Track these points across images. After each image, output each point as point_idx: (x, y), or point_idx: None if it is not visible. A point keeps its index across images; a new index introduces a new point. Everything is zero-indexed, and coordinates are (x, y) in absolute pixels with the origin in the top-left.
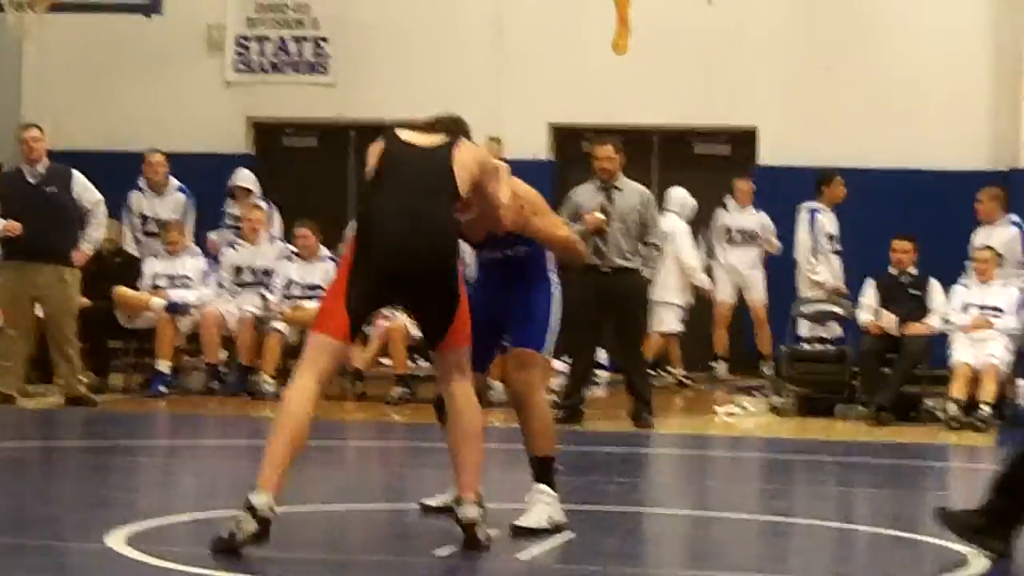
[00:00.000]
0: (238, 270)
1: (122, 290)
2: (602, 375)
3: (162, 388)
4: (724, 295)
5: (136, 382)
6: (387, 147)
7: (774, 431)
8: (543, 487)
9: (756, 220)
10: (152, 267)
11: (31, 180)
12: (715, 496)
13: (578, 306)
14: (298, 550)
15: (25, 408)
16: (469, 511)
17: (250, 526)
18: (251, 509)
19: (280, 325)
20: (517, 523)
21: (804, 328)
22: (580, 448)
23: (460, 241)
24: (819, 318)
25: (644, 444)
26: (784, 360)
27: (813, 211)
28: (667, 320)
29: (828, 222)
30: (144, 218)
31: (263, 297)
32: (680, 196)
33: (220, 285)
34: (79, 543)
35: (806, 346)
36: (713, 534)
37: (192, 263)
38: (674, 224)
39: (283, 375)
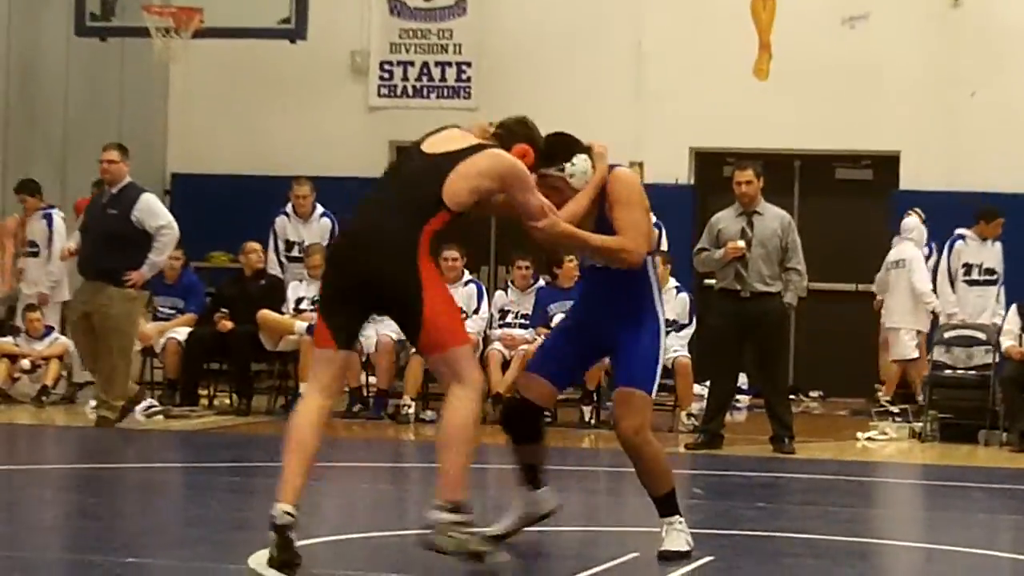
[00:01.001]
0: None
1: (266, 314)
2: (742, 400)
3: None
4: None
5: (279, 404)
6: (399, 155)
7: (916, 457)
8: (672, 519)
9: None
10: (296, 291)
11: (102, 201)
12: (855, 522)
13: (719, 331)
14: (436, 573)
15: (169, 430)
16: (432, 514)
17: (273, 539)
18: (272, 524)
19: None
20: (661, 549)
21: (949, 354)
22: (720, 473)
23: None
24: (960, 344)
25: (784, 469)
26: (926, 386)
27: (956, 238)
28: (903, 346)
29: (970, 251)
30: (289, 243)
31: None
32: (913, 223)
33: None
34: (222, 564)
35: (948, 372)
36: (852, 560)
37: None
38: (909, 251)
39: (424, 399)
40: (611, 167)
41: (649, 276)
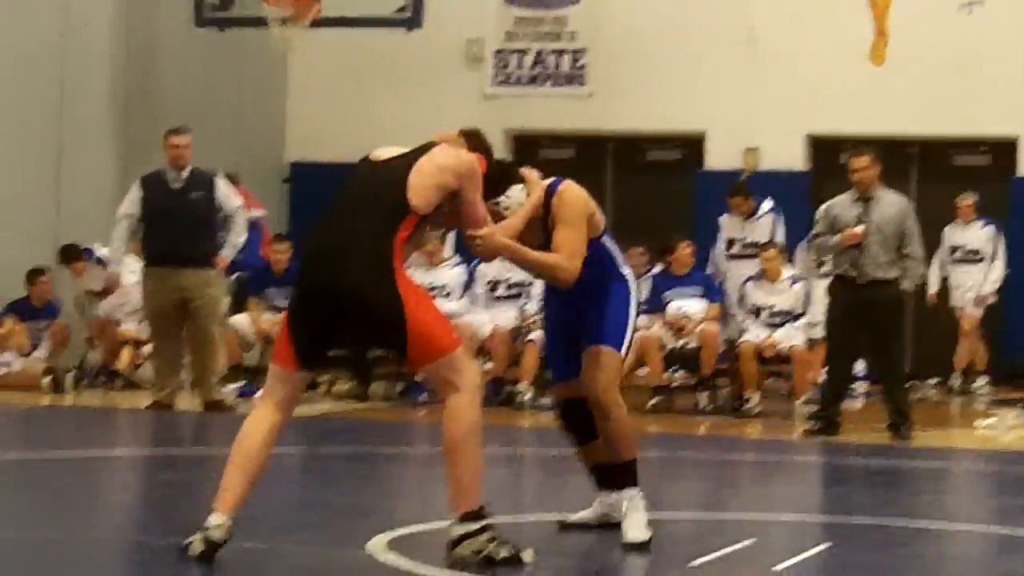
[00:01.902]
0: (493, 284)
1: None
2: (859, 386)
3: (423, 397)
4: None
5: (397, 390)
6: (352, 170)
7: None
8: (632, 492)
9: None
10: (413, 278)
11: (174, 185)
12: (972, 510)
13: (835, 318)
14: (556, 558)
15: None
16: (452, 529)
17: (197, 547)
18: (204, 530)
19: (537, 335)
20: (626, 540)
21: None
22: (836, 460)
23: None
24: None
25: (901, 457)
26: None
27: None
28: None
29: None
30: None
31: (520, 309)
32: None
33: (475, 299)
34: (339, 549)
35: None
36: (967, 549)
37: (451, 274)
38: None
39: (540, 386)
40: (555, 183)
41: (605, 257)
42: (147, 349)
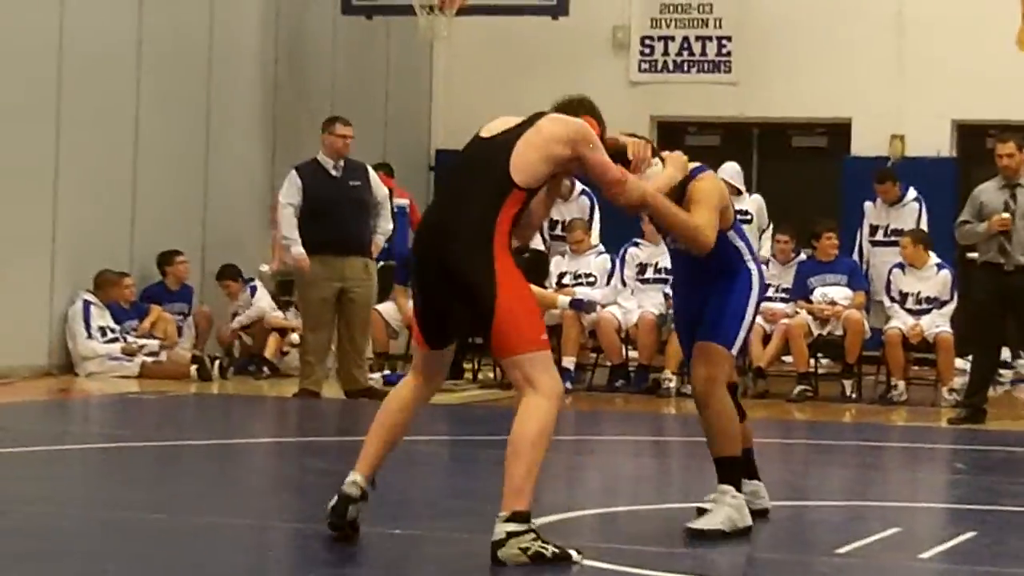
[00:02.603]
0: (642, 267)
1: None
2: (1006, 374)
3: (567, 385)
4: None
5: None
6: (465, 147)
7: None
8: (726, 488)
9: None
10: (559, 266)
11: (334, 174)
12: None
13: (982, 305)
14: (696, 545)
15: (435, 403)
16: (496, 526)
17: (333, 502)
18: (339, 490)
19: None
20: (691, 525)
21: None
22: (983, 448)
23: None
24: None
25: None
26: None
27: None
28: None
29: None
30: (552, 221)
31: (666, 296)
32: None
33: (623, 283)
34: (487, 535)
35: None
36: None
37: (596, 261)
38: None
39: (684, 373)
40: (698, 169)
41: (737, 243)
42: (295, 336)
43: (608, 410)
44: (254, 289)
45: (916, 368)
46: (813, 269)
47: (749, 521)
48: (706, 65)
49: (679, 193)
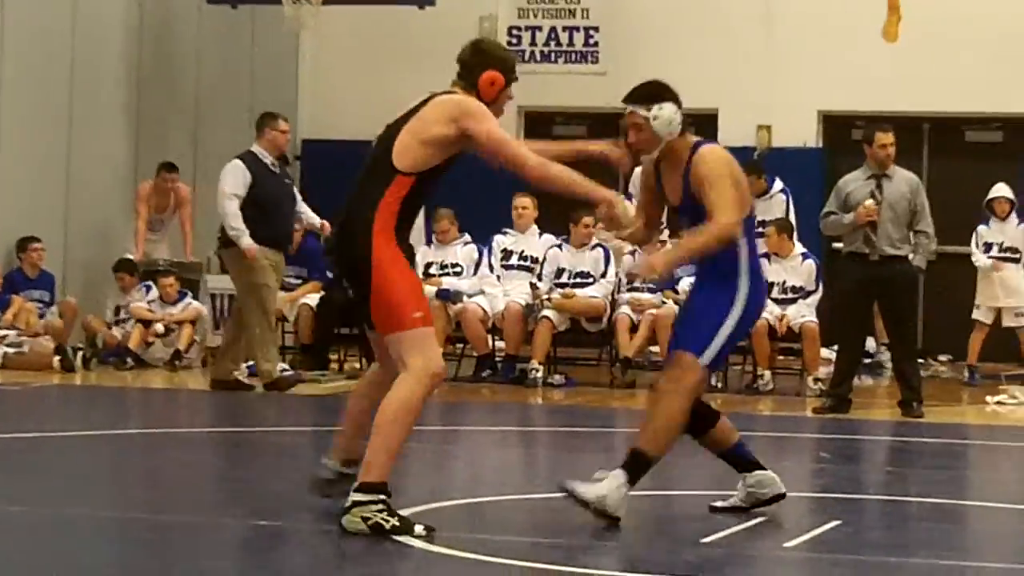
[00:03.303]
0: (507, 254)
1: None
2: (881, 356)
3: None
4: None
5: None
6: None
7: None
8: (622, 473)
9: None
10: (424, 256)
11: (274, 169)
12: (984, 486)
13: (847, 295)
14: (565, 536)
15: (301, 394)
16: (349, 495)
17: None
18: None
19: (549, 313)
20: (571, 486)
21: None
22: (848, 437)
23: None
24: None
25: (912, 433)
26: None
27: None
28: None
29: None
30: None
31: (533, 286)
32: None
33: (489, 267)
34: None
35: None
36: (981, 525)
37: (463, 251)
38: None
39: (552, 363)
40: (697, 144)
41: (738, 251)
42: (159, 327)
43: (475, 401)
44: (149, 287)
45: (782, 358)
46: None
47: (620, 513)
48: (573, 55)
49: (684, 170)
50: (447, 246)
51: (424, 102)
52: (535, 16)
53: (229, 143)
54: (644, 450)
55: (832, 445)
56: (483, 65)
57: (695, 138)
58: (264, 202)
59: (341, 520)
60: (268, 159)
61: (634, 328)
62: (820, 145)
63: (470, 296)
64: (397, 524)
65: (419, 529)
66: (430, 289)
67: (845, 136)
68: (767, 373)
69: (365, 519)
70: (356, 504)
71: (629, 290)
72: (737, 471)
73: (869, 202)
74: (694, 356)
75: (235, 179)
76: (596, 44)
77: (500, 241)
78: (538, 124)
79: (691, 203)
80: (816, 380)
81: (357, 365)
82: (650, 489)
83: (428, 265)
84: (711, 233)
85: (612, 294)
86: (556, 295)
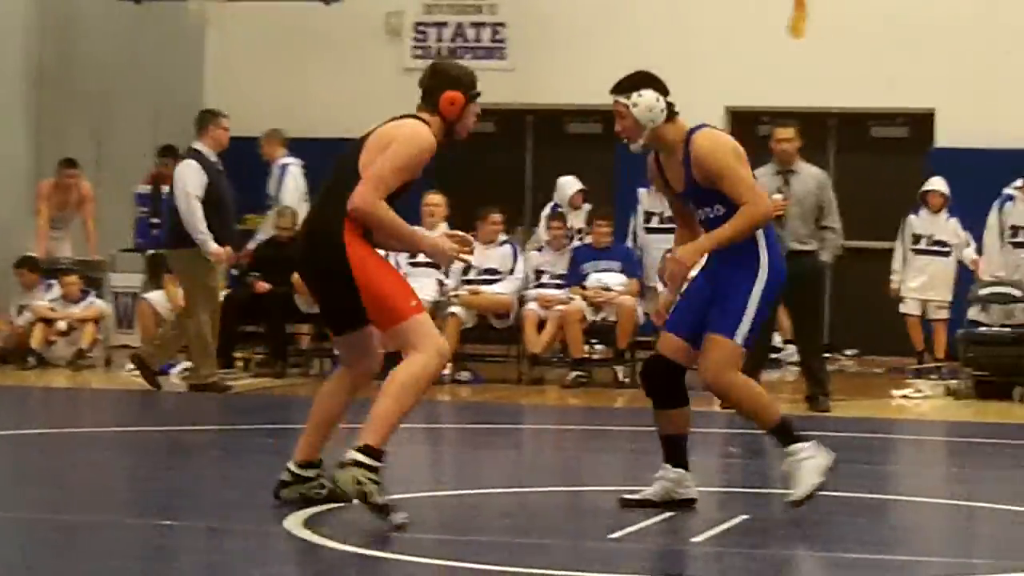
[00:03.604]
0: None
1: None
2: (787, 350)
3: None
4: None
5: (316, 367)
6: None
7: (951, 415)
8: (793, 448)
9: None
10: None
11: (220, 168)
12: (889, 479)
13: None
14: (473, 532)
15: (200, 394)
16: (346, 453)
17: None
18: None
19: (457, 309)
20: (789, 499)
21: (985, 312)
22: (754, 431)
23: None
24: (997, 301)
25: (819, 427)
26: (961, 343)
27: (1005, 198)
28: None
29: (1018, 213)
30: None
31: (440, 283)
32: None
33: (396, 265)
34: (258, 526)
35: (984, 329)
36: (889, 517)
37: None
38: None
39: (460, 359)
40: (692, 130)
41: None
42: (61, 324)
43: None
44: (51, 286)
45: None
46: (588, 255)
47: (830, 459)
48: (481, 51)
49: (683, 157)
50: None
51: (396, 118)
52: (442, 12)
53: (133, 140)
54: (775, 424)
55: (740, 440)
56: (441, 87)
57: (687, 124)
58: (217, 202)
59: (335, 473)
60: (213, 157)
61: (542, 325)
62: None
63: None
64: (381, 503)
65: (398, 518)
66: None
67: (751, 132)
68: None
69: (359, 482)
70: (356, 463)
71: (536, 287)
72: (666, 460)
73: (776, 197)
74: (725, 337)
75: (195, 179)
76: (503, 40)
77: None
78: None
79: (694, 187)
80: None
81: (263, 363)
82: (558, 486)
83: None
84: (745, 220)
85: (520, 291)
86: (464, 292)
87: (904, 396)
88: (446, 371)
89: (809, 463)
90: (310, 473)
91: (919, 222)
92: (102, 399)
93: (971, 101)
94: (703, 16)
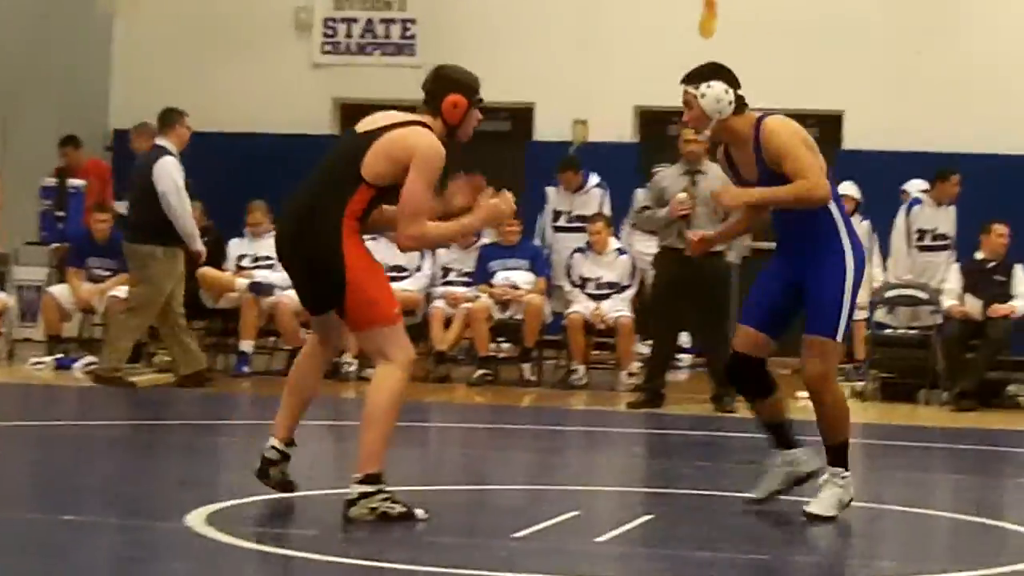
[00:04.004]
0: None
1: (206, 271)
2: (684, 359)
3: (245, 368)
4: None
5: (222, 362)
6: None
7: (856, 416)
8: (836, 469)
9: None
10: (237, 248)
11: (181, 165)
12: None
13: (661, 290)
14: (375, 530)
15: (106, 388)
16: (351, 487)
17: (256, 467)
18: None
19: None
20: (808, 509)
21: (892, 314)
22: (660, 431)
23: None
24: (903, 303)
25: (724, 428)
26: (867, 345)
27: (913, 201)
28: None
29: (925, 216)
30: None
31: None
32: None
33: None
34: (160, 522)
35: (889, 331)
36: (791, 518)
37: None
38: None
39: (365, 356)
40: (761, 118)
41: (832, 213)
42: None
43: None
44: None
45: (596, 352)
46: (495, 253)
47: (852, 496)
48: (390, 48)
49: (754, 145)
50: (260, 239)
51: (404, 123)
52: (351, 7)
53: (38, 133)
54: (837, 442)
55: (645, 440)
56: (444, 90)
57: (757, 113)
58: (186, 200)
59: (348, 511)
60: (176, 154)
61: (448, 322)
62: (636, 140)
63: (283, 289)
64: (403, 510)
65: (420, 513)
66: (242, 282)
67: (661, 131)
68: (581, 368)
69: (372, 509)
70: (363, 496)
71: (443, 284)
72: (776, 446)
73: (682, 195)
74: (828, 338)
75: (178, 176)
76: (413, 36)
77: None
78: (355, 116)
79: (768, 176)
80: (630, 375)
81: (167, 359)
82: (462, 484)
83: (241, 257)
84: (796, 189)
85: (427, 288)
86: None
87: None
88: (351, 367)
89: (840, 492)
90: (292, 451)
91: None
92: (4, 393)
93: (881, 103)
94: (613, 15)
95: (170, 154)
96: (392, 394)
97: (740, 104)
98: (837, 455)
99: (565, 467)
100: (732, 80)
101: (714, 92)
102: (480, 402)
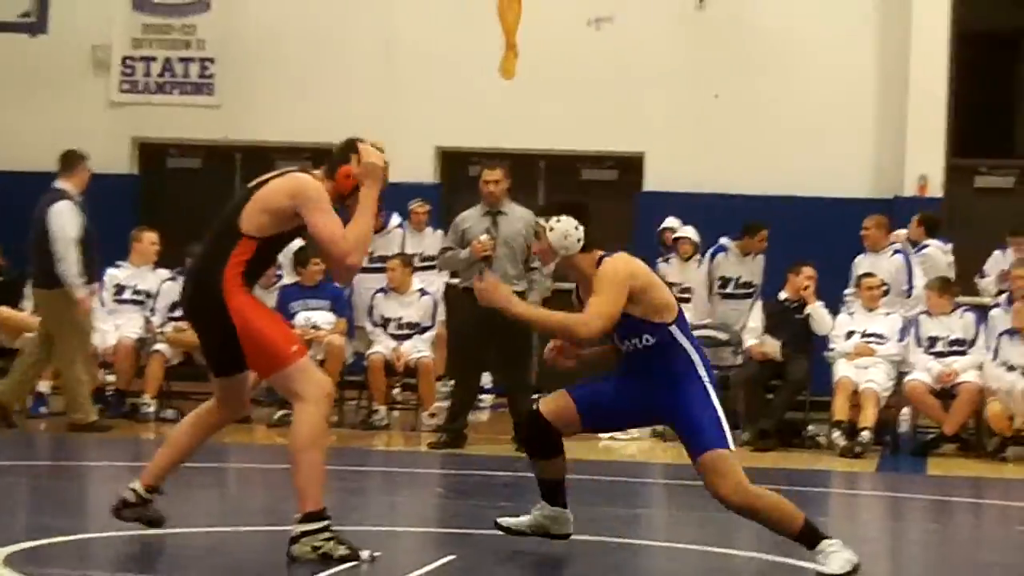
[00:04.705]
0: (119, 288)
1: (3, 310)
2: (486, 399)
3: (43, 409)
4: None
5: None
6: None
7: (657, 457)
8: (820, 546)
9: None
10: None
11: (83, 208)
12: (596, 521)
13: (463, 330)
14: (173, 571)
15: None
16: (293, 528)
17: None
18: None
19: (162, 347)
20: (820, 571)
21: None
22: (463, 472)
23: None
24: (704, 344)
25: (527, 468)
26: None
27: (717, 248)
28: None
29: (729, 264)
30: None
31: (146, 319)
32: None
33: (100, 303)
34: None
35: None
36: (592, 559)
37: None
38: None
39: (165, 397)
40: (603, 256)
41: (678, 341)
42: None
43: (86, 436)
44: None
45: (397, 392)
46: (296, 294)
47: (857, 559)
48: (188, 87)
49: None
50: None
51: (282, 173)
52: (150, 46)
53: None
54: (798, 531)
55: (447, 480)
56: (345, 160)
57: (600, 252)
58: (89, 242)
59: (290, 549)
60: (76, 196)
61: None
62: (437, 181)
63: None
64: (345, 553)
65: (365, 555)
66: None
67: (462, 172)
68: (382, 408)
69: (315, 548)
70: (304, 534)
71: None
72: (545, 499)
73: (484, 237)
74: (722, 450)
75: (73, 220)
76: (211, 76)
77: (113, 275)
78: (152, 155)
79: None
80: (431, 415)
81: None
82: (262, 525)
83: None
84: (564, 320)
85: None
86: (169, 329)
87: (611, 438)
88: (150, 408)
89: (841, 555)
90: (152, 497)
91: (670, 269)
92: None
93: (680, 145)
94: (414, 55)
95: (66, 198)
96: (311, 429)
97: (589, 242)
98: (809, 538)
99: (366, 507)
100: (584, 217)
101: (562, 228)
102: (281, 443)
